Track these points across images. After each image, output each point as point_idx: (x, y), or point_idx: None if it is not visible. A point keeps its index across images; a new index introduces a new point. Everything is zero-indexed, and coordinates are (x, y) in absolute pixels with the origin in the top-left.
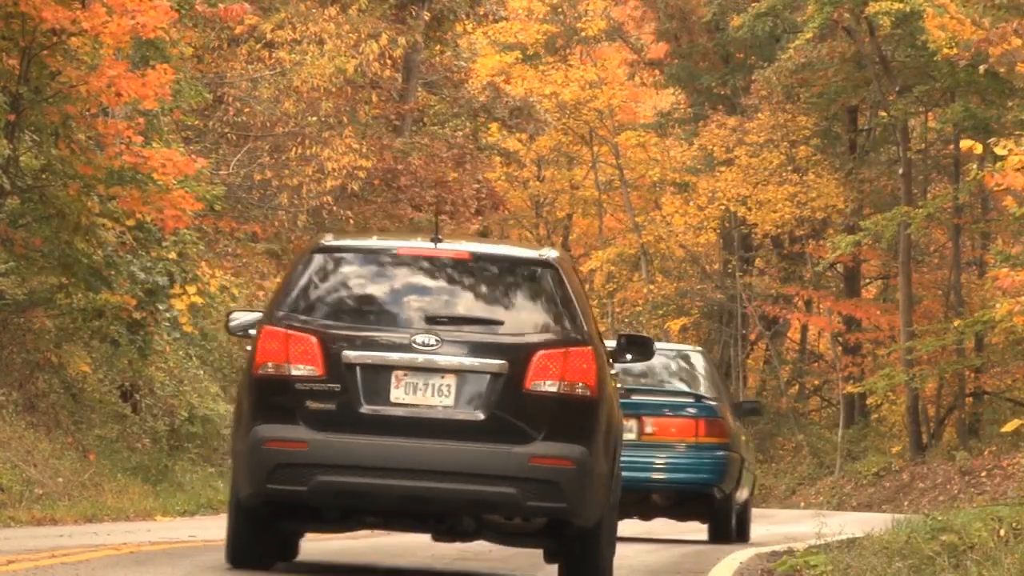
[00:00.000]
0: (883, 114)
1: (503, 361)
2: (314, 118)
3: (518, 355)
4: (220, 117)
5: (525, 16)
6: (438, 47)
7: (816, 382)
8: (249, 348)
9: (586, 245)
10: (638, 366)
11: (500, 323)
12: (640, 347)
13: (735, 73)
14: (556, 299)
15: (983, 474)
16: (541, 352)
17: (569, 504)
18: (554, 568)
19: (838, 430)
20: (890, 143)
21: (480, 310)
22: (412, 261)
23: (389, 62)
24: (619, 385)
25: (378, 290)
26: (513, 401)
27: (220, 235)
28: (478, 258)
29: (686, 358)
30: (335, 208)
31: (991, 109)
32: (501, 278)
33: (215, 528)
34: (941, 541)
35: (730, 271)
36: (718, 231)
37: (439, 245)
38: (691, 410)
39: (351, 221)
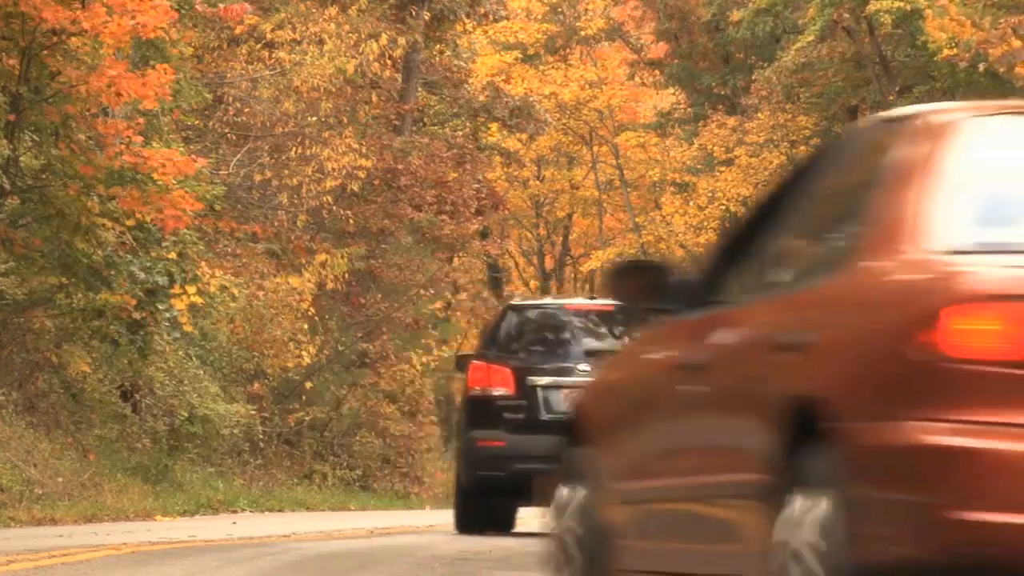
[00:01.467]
0: None
1: None
2: (314, 118)
3: None
4: (220, 117)
5: (525, 16)
6: (438, 47)
7: None
8: (464, 377)
9: (586, 245)
10: None
11: None
12: None
13: (735, 73)
14: None
15: None
16: None
17: None
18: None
19: None
20: None
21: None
22: (575, 312)
23: (389, 62)
24: None
25: (551, 333)
26: None
27: (220, 235)
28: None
29: None
30: (335, 208)
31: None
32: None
33: (215, 528)
34: None
35: None
36: (718, 231)
37: (597, 300)
38: None
39: (351, 221)
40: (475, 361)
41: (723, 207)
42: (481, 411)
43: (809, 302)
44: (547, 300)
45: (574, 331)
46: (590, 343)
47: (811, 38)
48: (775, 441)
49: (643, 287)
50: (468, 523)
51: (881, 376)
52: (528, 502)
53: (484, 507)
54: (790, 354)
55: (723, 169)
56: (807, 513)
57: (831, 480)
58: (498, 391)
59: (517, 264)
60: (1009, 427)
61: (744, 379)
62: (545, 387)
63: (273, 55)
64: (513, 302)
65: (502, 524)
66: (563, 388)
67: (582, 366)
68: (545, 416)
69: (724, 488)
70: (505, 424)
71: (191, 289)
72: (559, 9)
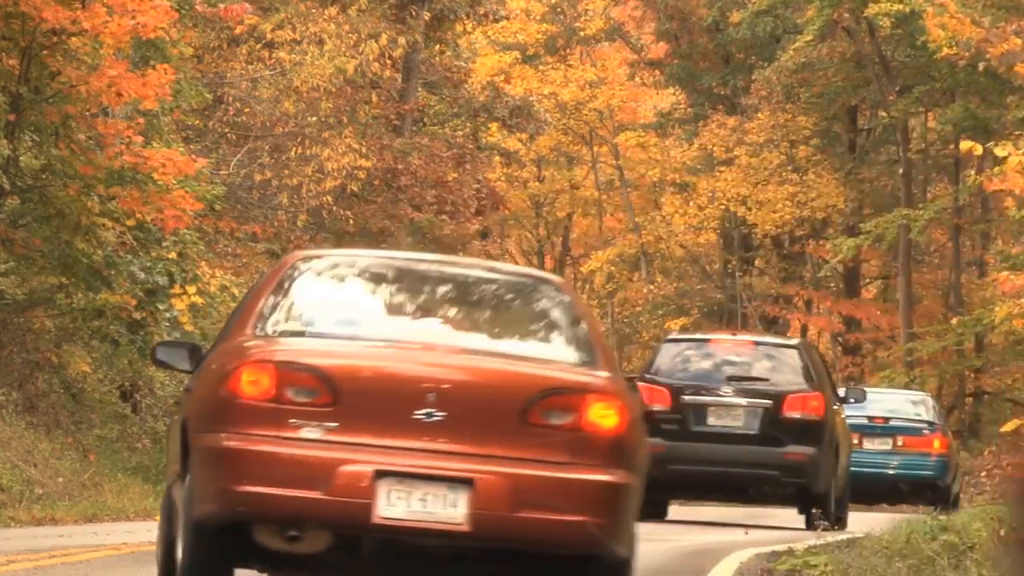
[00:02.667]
0: (883, 114)
1: (770, 401)
2: (314, 118)
3: (778, 395)
4: (220, 117)
5: (524, 16)
6: (438, 47)
7: None
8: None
9: (586, 245)
10: (890, 404)
11: (767, 380)
12: (857, 395)
13: (735, 73)
14: (799, 366)
15: (983, 474)
16: (790, 396)
17: (807, 480)
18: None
19: None
20: (890, 143)
21: (756, 372)
22: (720, 346)
23: (389, 62)
24: (876, 414)
25: (702, 363)
26: (775, 422)
27: (220, 235)
28: (756, 344)
29: (921, 400)
30: (335, 208)
31: (991, 109)
32: (769, 354)
33: None
34: (941, 541)
35: (730, 271)
36: (718, 231)
37: (736, 336)
38: (927, 431)
39: (351, 221)
40: (640, 382)
41: (723, 207)
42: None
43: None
44: (698, 335)
45: (718, 360)
46: (731, 370)
47: (810, 38)
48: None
49: None
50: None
51: (210, 406)
52: (680, 496)
53: (645, 500)
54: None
55: (723, 169)
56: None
57: (190, 468)
58: (658, 407)
59: (517, 264)
60: (263, 436)
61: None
62: (695, 405)
63: (273, 55)
64: (670, 336)
65: (657, 514)
66: (709, 406)
67: (725, 388)
68: (695, 428)
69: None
70: (663, 433)
71: (191, 289)
72: (559, 9)
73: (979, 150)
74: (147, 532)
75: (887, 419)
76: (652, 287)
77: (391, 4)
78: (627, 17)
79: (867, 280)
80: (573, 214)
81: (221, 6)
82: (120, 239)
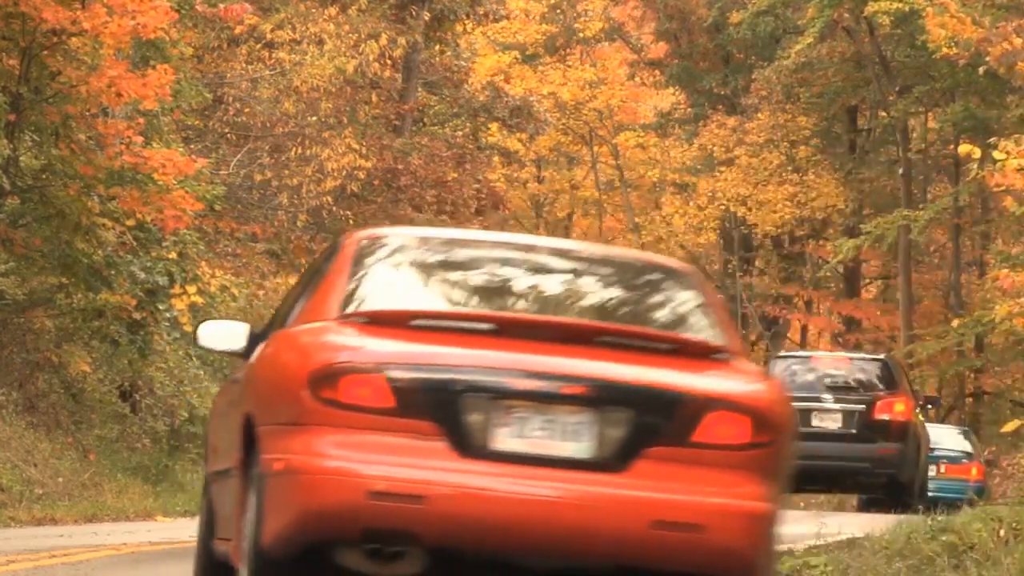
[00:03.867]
0: (883, 114)
1: (863, 405)
2: (314, 118)
3: (869, 401)
4: (220, 117)
5: (524, 16)
6: (438, 47)
7: None
8: None
9: None
10: (934, 435)
11: (860, 388)
12: (933, 401)
13: (735, 73)
14: (886, 376)
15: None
16: (880, 401)
17: (895, 471)
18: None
19: None
20: (890, 143)
21: (851, 381)
22: (821, 360)
23: (389, 62)
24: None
25: (806, 375)
26: (867, 423)
27: (220, 235)
28: (851, 358)
29: (961, 432)
30: (335, 208)
31: (991, 109)
32: (861, 366)
33: None
34: (941, 541)
35: (730, 271)
36: (718, 231)
37: (834, 352)
38: (965, 460)
39: (351, 221)
40: None
41: (723, 207)
42: None
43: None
44: (802, 352)
45: (819, 372)
46: (830, 380)
47: (810, 40)
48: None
49: None
50: None
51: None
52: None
53: None
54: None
55: (723, 169)
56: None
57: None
58: None
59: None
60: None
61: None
62: (801, 410)
63: (273, 55)
64: (780, 353)
65: None
66: (813, 410)
67: (825, 395)
68: (800, 429)
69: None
70: None
71: (191, 289)
72: (559, 9)
73: (978, 153)
74: (147, 532)
75: (931, 448)
76: None
77: (391, 4)
78: (627, 17)
79: (867, 280)
80: (573, 214)
81: (221, 6)
82: (120, 239)
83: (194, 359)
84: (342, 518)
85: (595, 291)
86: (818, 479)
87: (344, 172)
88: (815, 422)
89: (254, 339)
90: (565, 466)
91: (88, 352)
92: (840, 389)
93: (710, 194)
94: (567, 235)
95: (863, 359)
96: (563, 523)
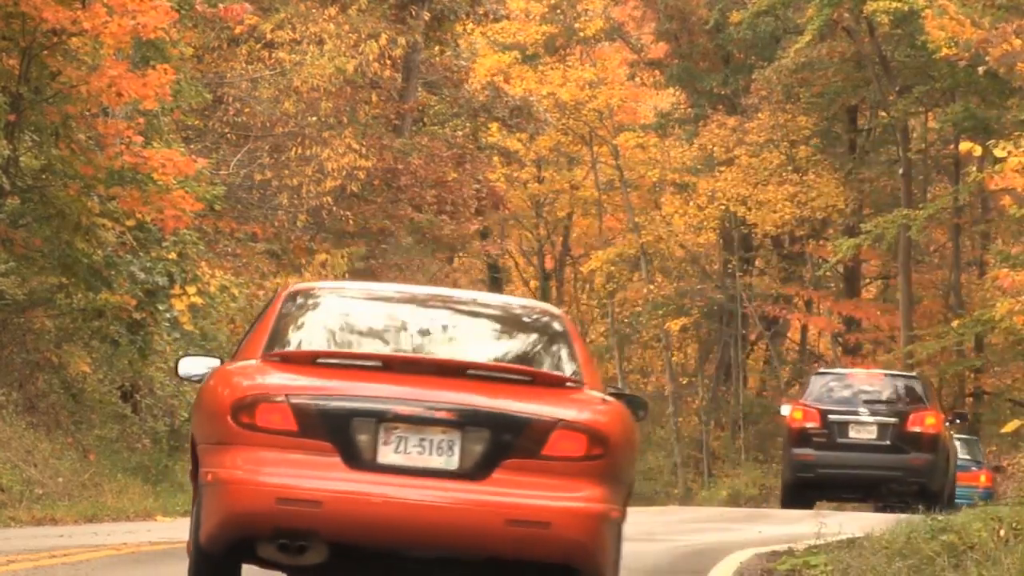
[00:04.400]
0: (883, 114)
1: (896, 418)
2: (314, 118)
3: (901, 415)
4: (220, 117)
5: (524, 16)
6: (438, 47)
7: None
8: (788, 415)
9: (586, 245)
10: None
11: (894, 402)
12: (961, 416)
13: (735, 73)
14: (918, 392)
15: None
16: (912, 414)
17: (926, 479)
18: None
19: None
20: (890, 143)
21: (885, 397)
22: (857, 377)
23: (389, 62)
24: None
25: (843, 391)
26: (900, 435)
27: (220, 235)
28: (885, 375)
29: (967, 440)
30: (335, 208)
31: (991, 109)
32: (894, 383)
33: None
34: (941, 541)
35: (730, 271)
36: (718, 231)
37: (870, 370)
38: (974, 468)
39: (351, 221)
40: (795, 405)
41: (723, 207)
42: (800, 436)
43: None
44: (840, 370)
45: (856, 388)
46: (866, 396)
47: (809, 37)
48: None
49: None
50: (788, 503)
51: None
52: (826, 494)
53: (798, 495)
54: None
55: (723, 169)
56: None
57: None
58: (810, 424)
59: (517, 264)
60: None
61: None
62: (839, 422)
63: (273, 55)
64: (819, 371)
65: (807, 506)
66: (850, 423)
67: (861, 409)
68: (839, 440)
69: None
70: (814, 444)
71: (191, 289)
72: (559, 9)
73: (979, 151)
74: (147, 532)
75: None
76: (652, 287)
77: (391, 4)
78: (627, 17)
79: (867, 280)
80: (573, 214)
81: (221, 6)
82: (120, 239)
83: None
84: (256, 520)
85: (474, 332)
86: (854, 487)
87: (344, 172)
88: (852, 434)
89: None
90: (437, 475)
91: (88, 352)
92: (875, 403)
93: (710, 194)
94: (567, 235)
95: (896, 376)
96: (434, 522)
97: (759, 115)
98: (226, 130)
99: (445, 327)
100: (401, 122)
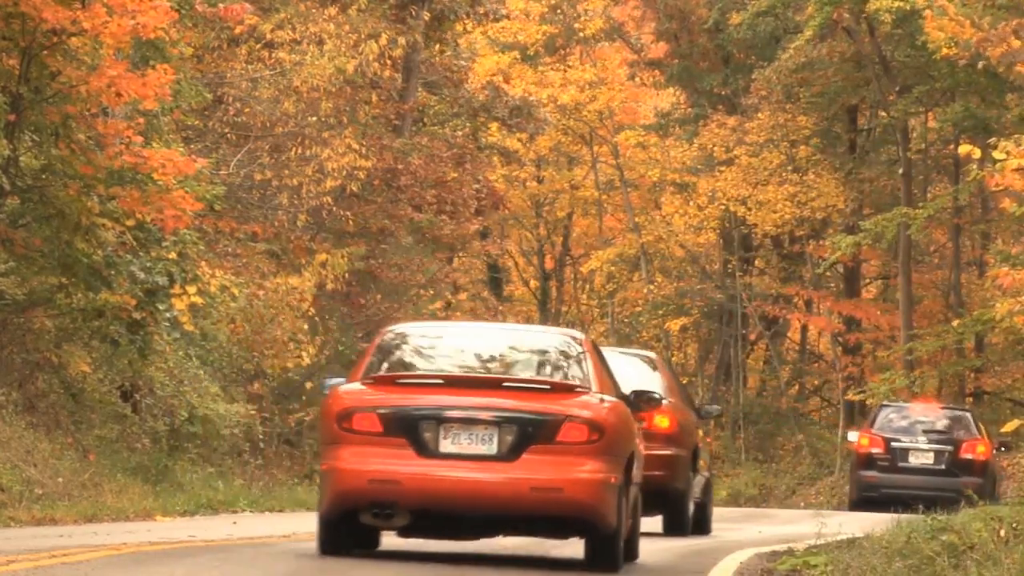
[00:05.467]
0: (883, 114)
1: (951, 446)
2: (314, 118)
3: (956, 443)
4: (220, 117)
5: (524, 16)
6: (438, 47)
7: (816, 382)
8: (854, 441)
9: (586, 245)
10: None
11: (949, 432)
12: (1006, 444)
13: (735, 73)
14: (969, 424)
15: None
16: (965, 443)
17: (976, 492)
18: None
19: (838, 430)
20: (890, 143)
21: (941, 427)
22: (915, 409)
23: (389, 62)
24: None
25: (904, 422)
26: (954, 461)
27: (220, 235)
28: (942, 408)
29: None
30: (335, 208)
31: (991, 109)
32: (949, 415)
33: (215, 528)
34: (941, 541)
35: (730, 271)
36: (718, 231)
37: (928, 403)
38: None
39: (351, 221)
40: (862, 432)
41: (723, 207)
42: (866, 460)
43: None
44: (900, 403)
45: (915, 419)
46: (924, 426)
47: (809, 34)
48: None
49: None
50: (860, 506)
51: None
52: (888, 510)
53: (865, 509)
54: None
55: (723, 169)
56: None
57: None
58: (875, 450)
59: (517, 264)
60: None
61: None
62: (900, 449)
63: (273, 55)
64: (884, 403)
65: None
66: (910, 449)
67: (920, 438)
68: (900, 464)
69: None
70: (879, 468)
71: (191, 289)
72: (559, 9)
73: (978, 153)
74: (147, 532)
75: None
76: (652, 287)
77: (391, 4)
78: (627, 17)
79: (867, 280)
80: (573, 214)
81: (221, 6)
82: (120, 239)
83: (194, 359)
84: (355, 496)
85: (513, 354)
86: (911, 505)
87: (344, 172)
88: (911, 460)
89: None
90: (481, 459)
91: (88, 352)
92: (932, 433)
93: (710, 194)
94: (567, 235)
95: (950, 409)
96: (481, 491)
97: (759, 115)
98: (226, 130)
99: (491, 352)
100: (401, 122)
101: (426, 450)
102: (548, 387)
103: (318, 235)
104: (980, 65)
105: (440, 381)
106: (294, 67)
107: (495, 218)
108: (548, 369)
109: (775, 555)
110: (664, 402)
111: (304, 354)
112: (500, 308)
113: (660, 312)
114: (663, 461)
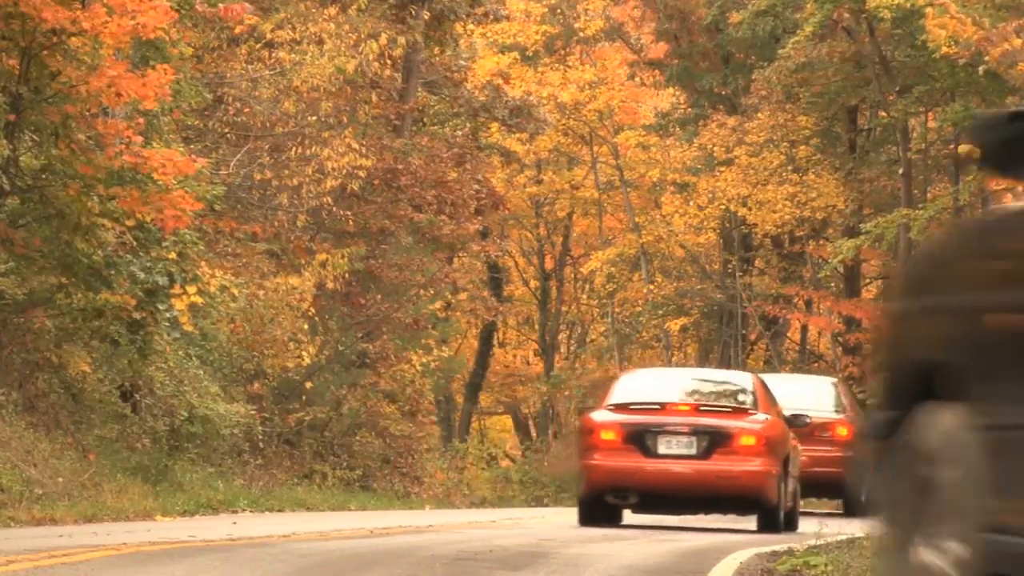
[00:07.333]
0: (883, 114)
1: None
2: (314, 118)
3: None
4: (220, 117)
5: (524, 16)
6: (438, 47)
7: None
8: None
9: (586, 245)
10: None
11: None
12: None
13: (735, 73)
14: None
15: None
16: None
17: None
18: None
19: None
20: (890, 143)
21: None
22: None
23: (389, 62)
24: None
25: None
26: None
27: (220, 235)
28: None
29: None
30: (335, 208)
31: (991, 109)
32: None
33: (215, 528)
34: None
35: (730, 271)
36: (718, 231)
37: None
38: None
39: (351, 221)
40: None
41: (723, 207)
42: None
43: None
44: None
45: None
46: None
47: (809, 31)
48: None
49: None
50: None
51: None
52: None
53: None
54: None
55: (723, 169)
56: None
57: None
58: None
59: (517, 264)
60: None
61: None
62: None
63: (273, 55)
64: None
65: None
66: None
67: None
68: None
69: None
70: None
71: (191, 289)
72: (558, 10)
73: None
74: (147, 532)
75: None
76: (652, 287)
77: (391, 4)
78: (627, 17)
79: (867, 280)
80: (573, 214)
81: (221, 6)
82: (120, 239)
83: (194, 359)
84: (602, 484)
85: (707, 388)
86: None
87: (344, 172)
88: None
89: None
90: (685, 458)
91: (88, 352)
92: None
93: (710, 194)
94: (567, 235)
95: None
96: (686, 479)
97: (759, 115)
98: (226, 130)
99: (691, 388)
100: (401, 122)
101: (649, 452)
102: (729, 409)
103: (318, 235)
104: (981, 69)
105: (658, 406)
106: (294, 67)
107: (495, 218)
108: (728, 398)
109: (775, 555)
110: (839, 416)
111: (304, 354)
112: (500, 308)
113: (660, 312)
114: (840, 460)
